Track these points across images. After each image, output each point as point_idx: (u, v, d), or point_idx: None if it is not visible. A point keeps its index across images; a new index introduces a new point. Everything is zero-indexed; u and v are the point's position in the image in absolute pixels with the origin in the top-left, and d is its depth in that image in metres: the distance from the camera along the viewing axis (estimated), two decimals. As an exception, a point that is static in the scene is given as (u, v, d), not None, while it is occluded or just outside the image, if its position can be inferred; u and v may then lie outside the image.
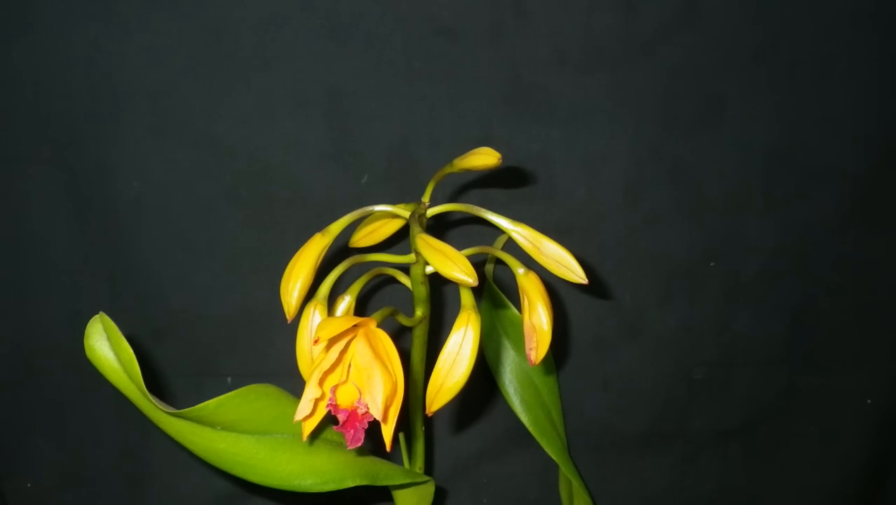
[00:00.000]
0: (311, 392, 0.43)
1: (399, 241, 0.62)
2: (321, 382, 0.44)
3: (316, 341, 0.42)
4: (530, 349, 0.50)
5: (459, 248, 0.53)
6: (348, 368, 0.45)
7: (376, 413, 0.43)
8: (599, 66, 0.70)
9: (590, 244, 0.75)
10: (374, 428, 0.45)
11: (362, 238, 0.59)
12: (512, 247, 0.53)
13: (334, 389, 0.44)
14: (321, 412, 0.46)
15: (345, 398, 0.45)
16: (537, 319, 0.50)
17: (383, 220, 0.58)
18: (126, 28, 0.66)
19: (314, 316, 0.49)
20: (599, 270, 0.77)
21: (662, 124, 0.73)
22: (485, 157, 0.50)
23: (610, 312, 0.80)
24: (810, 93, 0.73)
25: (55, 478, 0.82)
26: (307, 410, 0.43)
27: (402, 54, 0.69)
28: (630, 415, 0.84)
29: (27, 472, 0.82)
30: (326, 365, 0.44)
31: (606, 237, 0.77)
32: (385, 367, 0.43)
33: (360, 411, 0.44)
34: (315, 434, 0.53)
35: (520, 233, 0.52)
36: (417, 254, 0.51)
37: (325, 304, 0.50)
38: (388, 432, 0.44)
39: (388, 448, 0.45)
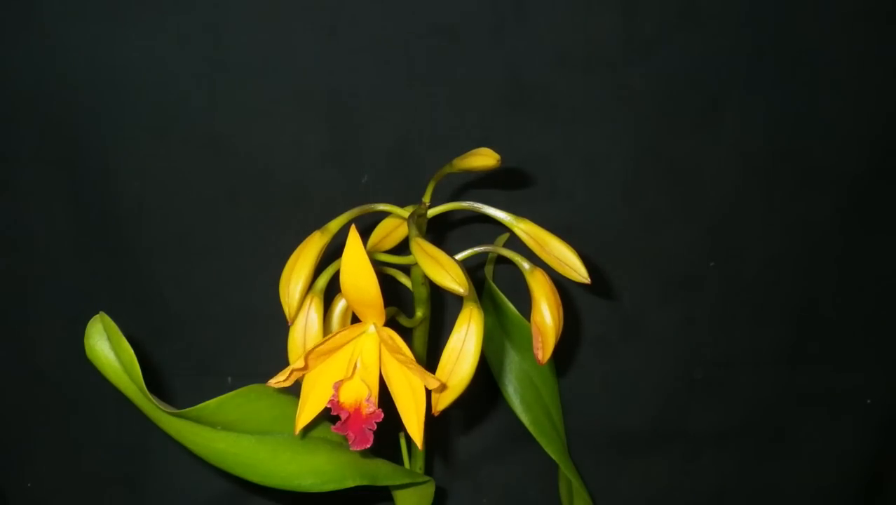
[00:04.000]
0: (295, 364, 0.43)
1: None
2: (308, 358, 0.43)
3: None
4: (537, 349, 0.50)
5: (461, 248, 0.53)
6: (354, 366, 0.45)
7: (434, 387, 0.42)
8: (599, 66, 0.70)
9: (590, 244, 0.75)
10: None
11: (379, 242, 0.58)
12: (514, 247, 0.53)
13: (338, 386, 0.44)
14: (317, 407, 0.46)
15: (349, 396, 0.44)
16: (541, 317, 0.50)
17: (396, 224, 0.58)
18: (126, 28, 0.66)
19: (310, 309, 0.49)
20: (599, 270, 0.77)
21: (662, 124, 0.73)
22: (484, 158, 0.50)
23: (610, 312, 0.80)
24: (810, 93, 0.73)
25: (55, 478, 0.82)
26: (282, 378, 0.43)
27: (402, 54, 0.69)
28: (630, 415, 0.84)
29: (27, 472, 0.82)
30: (319, 343, 0.44)
31: (606, 237, 0.77)
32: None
33: (367, 411, 0.44)
34: (316, 434, 0.53)
35: (522, 229, 0.52)
36: (416, 256, 0.51)
37: (322, 296, 0.49)
38: (419, 431, 0.44)
39: (420, 446, 0.44)
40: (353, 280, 0.42)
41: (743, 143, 0.74)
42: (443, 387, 0.45)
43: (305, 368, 0.44)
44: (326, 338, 0.44)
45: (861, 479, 0.86)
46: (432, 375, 0.43)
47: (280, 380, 0.43)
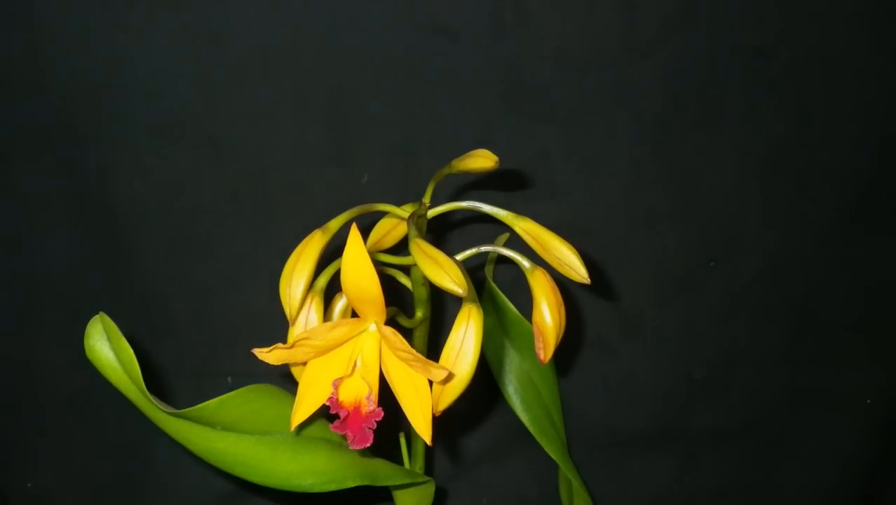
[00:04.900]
0: (287, 344, 0.43)
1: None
2: (298, 343, 0.43)
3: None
4: (539, 348, 0.50)
5: (461, 248, 0.53)
6: (354, 364, 0.45)
7: (441, 378, 0.42)
8: (599, 66, 0.70)
9: (590, 244, 0.75)
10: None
11: (379, 241, 0.58)
12: (514, 247, 0.53)
13: (337, 384, 0.44)
14: (314, 404, 0.46)
15: (349, 394, 0.44)
16: (541, 317, 0.49)
17: (395, 222, 0.58)
18: (126, 28, 0.66)
19: (310, 308, 0.48)
20: (599, 270, 0.77)
21: (662, 124, 0.73)
22: (482, 160, 0.49)
23: (610, 312, 0.80)
24: (810, 93, 0.73)
25: (55, 478, 0.82)
26: (265, 349, 0.43)
27: (402, 54, 0.69)
28: (630, 415, 0.84)
29: (27, 472, 0.82)
30: (311, 332, 0.43)
31: (606, 237, 0.77)
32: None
33: (366, 409, 0.44)
34: (316, 433, 0.53)
35: (522, 227, 0.52)
36: (416, 256, 0.51)
37: (322, 296, 0.49)
38: (427, 428, 0.44)
39: (429, 442, 0.44)
40: (355, 278, 0.42)
41: (743, 143, 0.74)
42: (449, 376, 0.45)
43: (291, 348, 0.44)
44: (319, 327, 0.44)
45: (861, 479, 0.86)
46: (437, 364, 0.43)
47: (263, 351, 0.43)
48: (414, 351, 0.42)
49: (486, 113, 0.71)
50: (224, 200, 0.73)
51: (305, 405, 0.46)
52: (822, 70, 0.72)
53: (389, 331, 0.44)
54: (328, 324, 0.45)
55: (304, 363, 0.47)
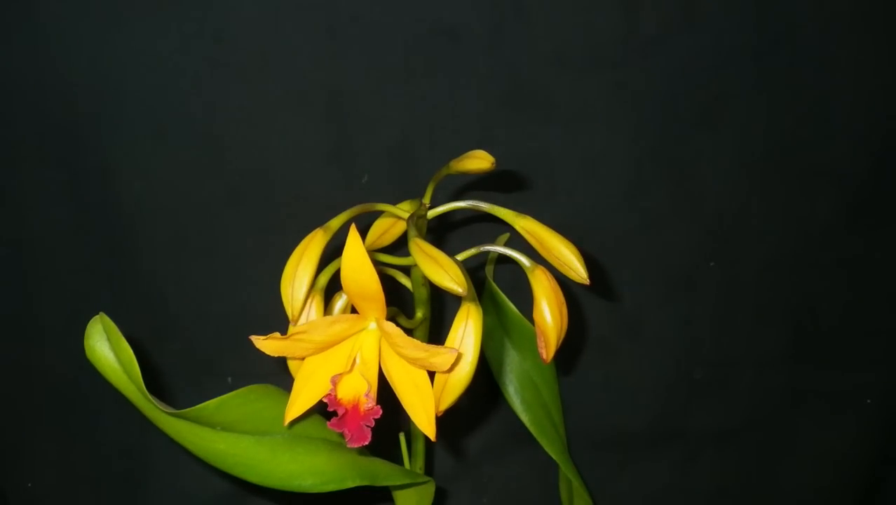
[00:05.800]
0: (286, 335, 0.43)
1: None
2: (294, 337, 0.43)
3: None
4: (541, 347, 0.50)
5: (461, 248, 0.53)
6: (353, 361, 0.45)
7: (447, 365, 0.42)
8: (599, 66, 0.70)
9: (590, 244, 0.75)
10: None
11: (377, 239, 0.58)
12: (515, 246, 0.53)
13: (336, 381, 0.44)
14: (310, 400, 0.46)
15: (347, 391, 0.44)
16: (541, 316, 0.49)
17: (392, 221, 0.58)
18: (126, 28, 0.66)
19: (311, 307, 0.48)
20: (600, 270, 0.77)
21: (662, 124, 0.73)
22: (479, 161, 0.49)
23: (610, 312, 0.80)
24: (810, 93, 0.73)
25: (55, 478, 0.82)
26: (262, 337, 0.43)
27: (402, 54, 0.69)
28: (630, 415, 0.84)
29: (27, 472, 0.82)
30: (308, 326, 0.43)
31: (606, 237, 0.77)
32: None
33: (365, 407, 0.44)
34: (316, 433, 0.53)
35: (523, 226, 0.52)
36: (416, 256, 0.51)
37: (322, 295, 0.49)
38: (430, 424, 0.44)
39: (433, 438, 0.44)
40: (354, 274, 0.42)
41: (743, 143, 0.74)
42: (458, 357, 0.44)
43: (289, 339, 0.44)
44: (318, 321, 0.44)
45: (861, 479, 0.86)
46: (442, 347, 0.42)
47: (260, 338, 0.43)
48: (416, 341, 0.42)
49: (486, 113, 0.71)
50: (224, 200, 0.73)
51: (302, 400, 0.46)
52: (821, 70, 0.72)
53: (390, 326, 0.44)
54: (328, 318, 0.45)
55: (303, 359, 0.47)
